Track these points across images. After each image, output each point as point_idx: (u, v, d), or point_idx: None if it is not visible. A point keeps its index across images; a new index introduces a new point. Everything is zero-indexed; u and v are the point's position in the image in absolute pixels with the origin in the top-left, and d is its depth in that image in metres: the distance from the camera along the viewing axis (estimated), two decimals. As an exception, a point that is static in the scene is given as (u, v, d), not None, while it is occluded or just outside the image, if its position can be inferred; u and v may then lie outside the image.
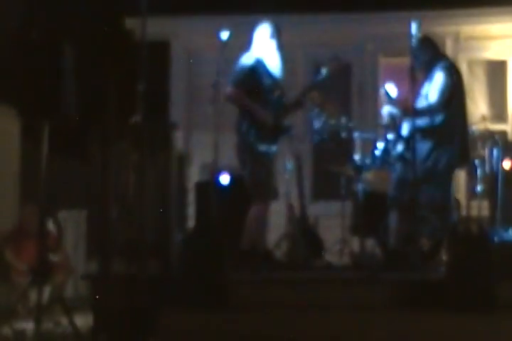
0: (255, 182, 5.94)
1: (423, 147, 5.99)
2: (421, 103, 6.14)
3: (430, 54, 6.14)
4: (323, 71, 6.10)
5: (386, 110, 6.25)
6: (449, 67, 6.15)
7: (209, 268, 5.02)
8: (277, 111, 6.06)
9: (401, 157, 6.13)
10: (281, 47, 6.13)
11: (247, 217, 5.91)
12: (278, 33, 6.14)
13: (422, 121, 6.07)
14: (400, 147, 6.14)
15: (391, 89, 6.23)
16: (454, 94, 6.10)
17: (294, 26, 8.80)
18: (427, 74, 6.19)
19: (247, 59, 6.08)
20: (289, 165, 7.26)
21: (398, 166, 6.23)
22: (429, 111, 6.05)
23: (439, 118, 6.07)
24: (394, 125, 6.31)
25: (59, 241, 5.40)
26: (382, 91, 6.33)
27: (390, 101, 6.23)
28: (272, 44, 6.11)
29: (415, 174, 5.64)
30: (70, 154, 5.66)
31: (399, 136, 6.20)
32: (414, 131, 5.95)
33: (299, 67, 8.96)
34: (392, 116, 6.24)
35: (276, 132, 6.04)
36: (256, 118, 5.94)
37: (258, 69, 6.04)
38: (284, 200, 6.69)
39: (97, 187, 5.34)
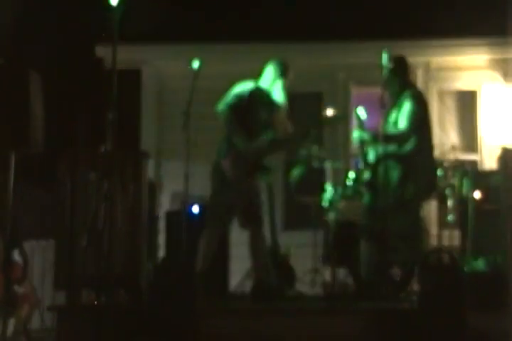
0: (210, 208, 6.01)
1: (392, 175, 5.99)
2: (390, 130, 6.16)
3: (399, 82, 6.17)
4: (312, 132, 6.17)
5: (356, 134, 6.23)
6: (416, 95, 6.19)
7: (179, 299, 4.96)
8: (262, 148, 6.04)
9: (369, 185, 6.11)
10: (287, 87, 6.17)
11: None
12: (286, 73, 6.17)
13: (391, 148, 6.08)
14: (367, 174, 6.13)
15: (361, 112, 6.24)
16: (422, 123, 6.13)
17: (266, 55, 8.85)
18: (396, 101, 6.22)
19: (251, 86, 6.12)
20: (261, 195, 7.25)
21: (367, 195, 6.21)
22: (398, 138, 6.07)
23: (407, 146, 6.08)
24: (362, 151, 6.31)
25: (25, 272, 5.31)
26: (353, 115, 6.35)
27: (360, 124, 6.24)
28: (279, 82, 6.14)
29: (384, 202, 5.64)
30: (38, 183, 5.59)
31: (366, 163, 6.20)
32: (383, 157, 5.96)
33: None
34: (361, 141, 6.23)
35: (253, 169, 6.01)
36: (236, 150, 5.93)
37: (259, 99, 6.06)
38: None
39: (65, 217, 5.27)
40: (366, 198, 6.22)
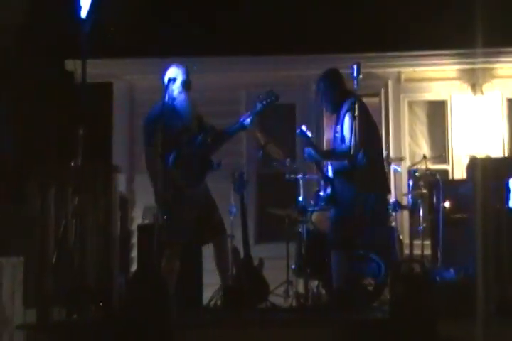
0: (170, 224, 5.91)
1: (350, 189, 5.89)
2: (337, 146, 6.07)
3: (335, 95, 6.08)
4: (258, 105, 6.10)
5: (307, 152, 6.12)
6: (353, 107, 5.86)
7: (152, 312, 4.94)
8: (203, 148, 6.01)
9: (330, 199, 6.07)
10: (186, 88, 6.06)
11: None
12: (185, 78, 6.05)
13: (341, 164, 6.03)
14: (328, 189, 6.10)
15: (305, 130, 6.15)
16: (365, 130, 6.00)
17: (237, 68, 8.90)
18: (336, 116, 6.10)
19: (151, 111, 6.04)
20: (233, 208, 7.27)
21: (331, 208, 6.17)
22: (346, 155, 5.96)
23: (357, 160, 5.89)
24: (318, 167, 6.28)
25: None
26: (297, 133, 6.26)
27: (309, 142, 6.18)
28: (178, 88, 6.03)
29: (348, 216, 5.67)
30: (7, 199, 5.56)
31: (326, 178, 6.15)
32: (336, 173, 5.95)
33: (242, 108, 9.02)
34: (312, 158, 6.17)
35: (202, 169, 6.00)
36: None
37: (165, 115, 5.88)
38: (229, 242, 6.67)
39: (35, 233, 5.24)
40: (332, 210, 6.20)
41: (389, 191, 6.31)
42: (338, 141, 5.97)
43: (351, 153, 5.78)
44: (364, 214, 5.82)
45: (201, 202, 6.02)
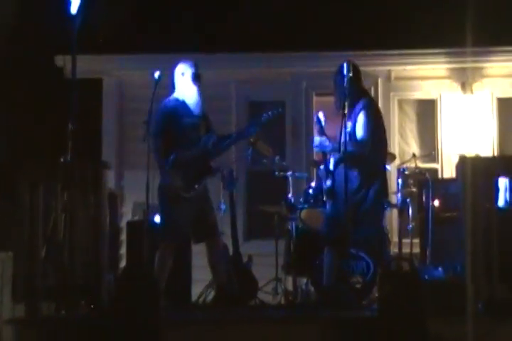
0: (166, 224, 5.98)
1: (351, 183, 5.89)
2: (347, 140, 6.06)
3: (355, 90, 6.07)
4: (264, 116, 6.09)
5: (317, 140, 6.10)
6: (369, 104, 6.02)
7: (140, 309, 4.93)
8: (205, 153, 6.03)
9: (330, 192, 6.04)
10: (198, 84, 6.07)
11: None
12: (194, 71, 6.07)
13: (349, 155, 6.00)
14: (329, 182, 6.06)
15: (321, 117, 6.13)
16: (376, 132, 6.04)
17: (228, 64, 8.88)
18: (350, 110, 6.16)
19: (166, 104, 6.08)
20: (223, 205, 7.27)
21: (329, 202, 6.16)
22: (356, 146, 5.97)
23: (364, 154, 5.99)
24: (324, 158, 6.23)
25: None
26: (313, 120, 6.26)
27: (321, 130, 6.16)
28: (188, 82, 6.06)
29: (344, 210, 5.65)
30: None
31: (328, 171, 6.11)
32: (338, 166, 5.92)
33: (232, 104, 9.02)
34: (322, 147, 6.12)
35: (201, 174, 6.00)
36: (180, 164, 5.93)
37: (178, 110, 6.01)
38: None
39: (24, 228, 5.22)
40: (327, 206, 6.19)
41: (387, 195, 6.28)
42: (348, 135, 5.93)
43: (364, 149, 5.81)
44: (361, 210, 5.81)
45: (198, 203, 6.01)
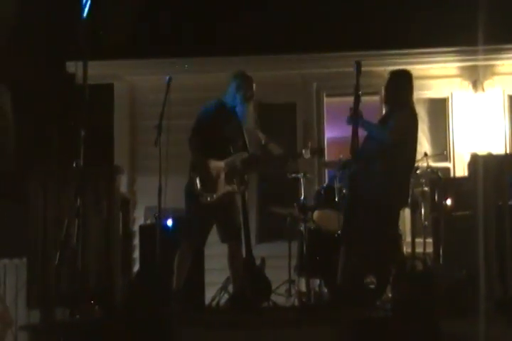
0: (186, 228, 6.01)
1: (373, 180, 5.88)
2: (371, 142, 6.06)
3: (402, 96, 6.10)
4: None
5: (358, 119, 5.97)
6: (410, 109, 6.10)
7: (155, 313, 4.96)
8: (237, 166, 6.06)
9: (353, 177, 6.00)
10: (247, 100, 6.12)
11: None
12: (246, 85, 6.12)
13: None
14: (354, 167, 6.03)
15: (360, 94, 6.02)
16: (410, 135, 6.06)
17: (238, 67, 8.87)
18: (390, 112, 6.15)
19: (212, 104, 6.13)
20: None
21: (346, 203, 6.13)
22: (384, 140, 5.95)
23: (392, 153, 5.96)
24: (354, 138, 6.08)
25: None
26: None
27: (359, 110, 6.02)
28: (239, 96, 6.11)
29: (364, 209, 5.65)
30: (9, 200, 5.57)
31: (355, 154, 5.98)
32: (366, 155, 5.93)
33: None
34: (358, 122, 5.94)
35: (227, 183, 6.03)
36: (207, 171, 5.95)
37: (220, 116, 6.06)
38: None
39: (37, 234, 5.25)
40: (345, 206, 6.17)
41: (406, 203, 6.30)
42: (383, 128, 5.95)
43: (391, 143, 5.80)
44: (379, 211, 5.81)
45: (222, 206, 6.02)
